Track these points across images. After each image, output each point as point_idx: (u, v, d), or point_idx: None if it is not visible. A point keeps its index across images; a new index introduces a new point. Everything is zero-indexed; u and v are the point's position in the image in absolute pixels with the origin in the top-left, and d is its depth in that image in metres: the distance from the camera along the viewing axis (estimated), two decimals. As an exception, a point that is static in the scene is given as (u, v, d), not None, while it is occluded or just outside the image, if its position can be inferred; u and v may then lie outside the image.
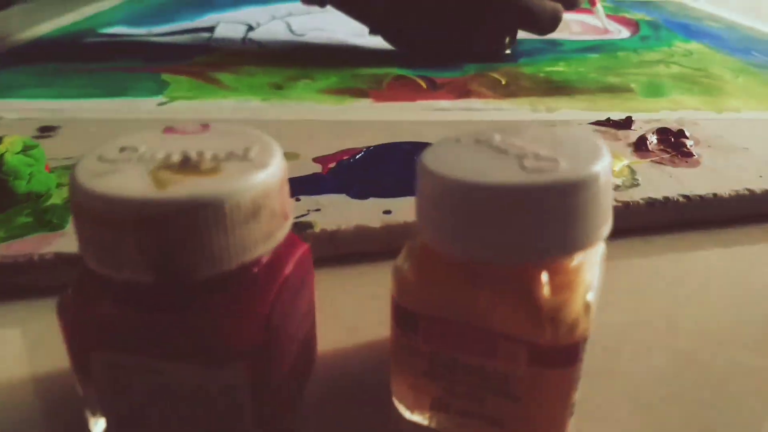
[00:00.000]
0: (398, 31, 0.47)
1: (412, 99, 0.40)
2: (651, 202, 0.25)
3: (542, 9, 0.44)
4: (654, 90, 0.42)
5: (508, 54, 0.49)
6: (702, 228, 0.25)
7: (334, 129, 0.35)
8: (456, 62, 0.47)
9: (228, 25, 0.59)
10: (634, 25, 0.62)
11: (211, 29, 0.58)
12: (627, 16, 0.66)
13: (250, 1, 0.69)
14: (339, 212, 0.23)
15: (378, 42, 0.50)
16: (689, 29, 0.61)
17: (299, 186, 0.25)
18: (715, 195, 0.25)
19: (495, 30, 0.46)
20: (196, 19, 0.62)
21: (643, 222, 0.25)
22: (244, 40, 0.55)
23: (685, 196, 0.25)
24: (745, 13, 0.73)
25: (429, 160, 0.14)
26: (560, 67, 0.47)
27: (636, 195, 0.25)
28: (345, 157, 0.28)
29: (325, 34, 0.56)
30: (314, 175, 0.27)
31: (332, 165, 0.27)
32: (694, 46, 0.55)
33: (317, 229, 0.22)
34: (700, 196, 0.25)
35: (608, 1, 0.74)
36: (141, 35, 0.56)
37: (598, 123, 0.33)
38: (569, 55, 0.51)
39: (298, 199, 0.24)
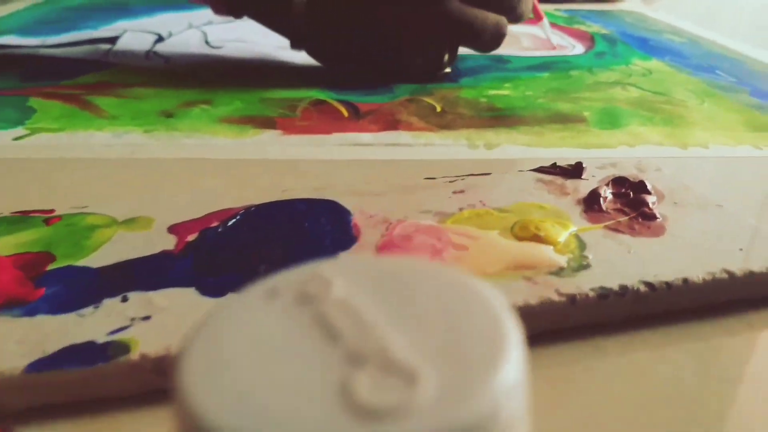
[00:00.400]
0: (321, 45, 0.41)
1: (328, 131, 0.33)
2: (604, 294, 0.19)
3: (484, 23, 0.38)
4: (610, 119, 0.36)
5: (447, 73, 0.43)
6: (669, 322, 0.19)
7: (221, 172, 0.28)
8: (388, 82, 0.41)
9: (135, 34, 0.52)
10: (588, 39, 0.57)
11: (113, 40, 0.50)
12: (581, 28, 0.61)
13: (167, 6, 0.61)
14: (178, 321, 0.17)
15: (304, 57, 0.43)
16: (648, 44, 0.56)
17: (135, 275, 0.19)
18: (685, 281, 0.19)
19: (431, 46, 0.40)
20: (102, 27, 0.54)
21: (593, 318, 0.19)
22: (148, 53, 0.47)
23: (649, 284, 0.19)
24: (706, 24, 0.69)
25: (192, 372, 0.07)
26: (505, 90, 0.41)
27: (584, 282, 0.19)
28: (213, 224, 0.21)
29: (246, 46, 0.49)
30: (161, 254, 0.20)
31: (191, 237, 0.21)
32: (653, 64, 0.50)
33: (135, 354, 0.15)
34: (667, 284, 0.19)
35: (563, 12, 0.69)
36: (31, 47, 0.48)
37: (542, 170, 0.26)
38: (517, 74, 0.45)
39: (124, 299, 0.18)
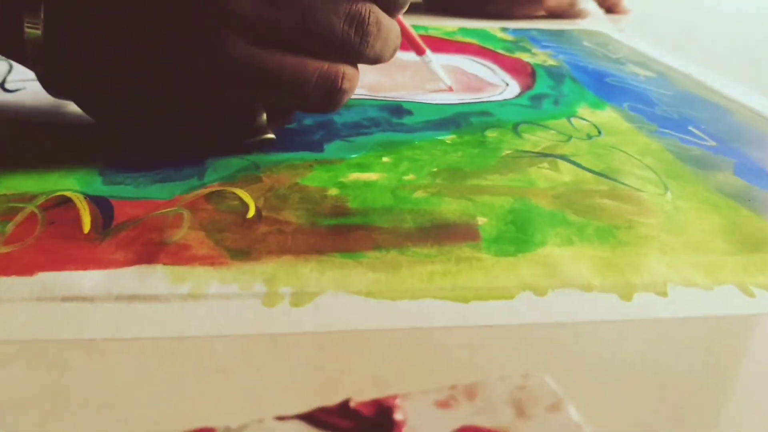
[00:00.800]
0: (83, 92, 0.27)
1: (38, 265, 0.20)
2: None
3: (300, 74, 0.24)
4: (516, 233, 0.23)
5: (270, 139, 0.29)
6: None
7: None
8: (185, 151, 0.27)
9: None
10: (528, 75, 0.43)
11: None
12: (524, 57, 0.48)
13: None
14: None
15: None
16: (604, 81, 0.43)
17: None
18: None
19: (228, 102, 0.26)
20: None
21: None
22: None
23: None
24: (680, 44, 0.56)
25: None
26: (376, 172, 0.28)
27: None
28: None
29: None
30: None
31: None
32: (606, 115, 0.37)
33: None
34: None
35: (510, 32, 0.55)
36: None
37: (319, 417, 0.13)
38: (410, 136, 0.32)
39: None
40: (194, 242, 0.21)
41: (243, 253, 0.21)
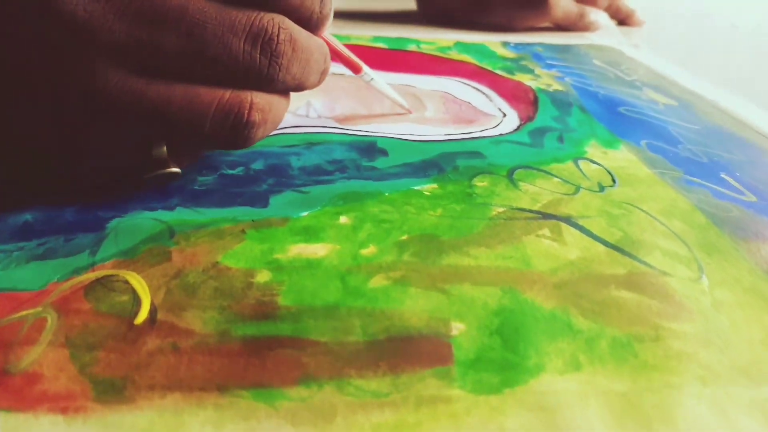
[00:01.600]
0: None
1: None
2: None
3: (187, 103, 0.20)
4: (503, 350, 0.17)
5: (175, 174, 0.23)
6: None
7: None
8: (76, 193, 0.21)
9: None
10: (529, 102, 0.37)
11: None
12: (525, 80, 0.41)
13: None
14: None
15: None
16: (617, 113, 0.36)
17: None
18: None
19: (119, 137, 0.21)
20: None
21: None
22: None
23: None
24: (698, 58, 0.49)
25: None
26: (324, 242, 0.21)
27: None
28: None
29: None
30: None
31: None
32: (621, 157, 0.30)
33: None
34: None
35: (511, 47, 0.49)
36: None
37: None
38: (379, 185, 0.26)
39: None
40: (50, 369, 0.15)
41: (113, 390, 0.15)
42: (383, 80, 0.32)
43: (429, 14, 0.58)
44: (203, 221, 0.22)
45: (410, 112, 0.33)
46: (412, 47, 0.47)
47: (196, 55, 0.19)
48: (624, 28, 0.61)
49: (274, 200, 0.24)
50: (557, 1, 0.54)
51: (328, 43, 0.26)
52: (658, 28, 0.65)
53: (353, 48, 0.38)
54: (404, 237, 0.22)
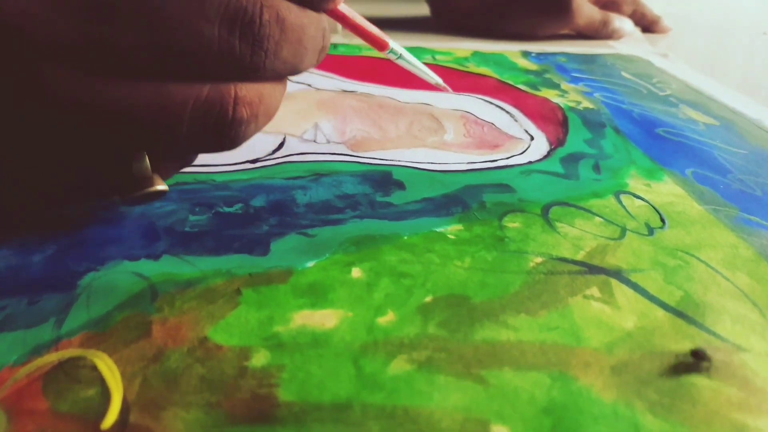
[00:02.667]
0: None
1: None
2: None
3: (169, 101, 0.17)
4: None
5: (160, 192, 0.19)
6: None
7: None
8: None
9: None
10: (557, 123, 0.33)
11: None
12: (551, 96, 0.37)
13: None
14: None
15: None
16: (655, 135, 0.33)
17: None
18: None
19: (85, 150, 0.18)
20: None
21: None
22: None
23: None
24: (730, 66, 0.46)
25: None
26: (334, 307, 0.18)
27: None
28: None
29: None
30: None
31: None
32: (667, 190, 0.27)
33: None
34: None
35: (533, 58, 0.45)
36: None
37: None
38: (397, 225, 0.22)
39: None
40: None
41: None
42: (412, 57, 0.27)
43: (443, 21, 0.55)
44: (192, 276, 0.18)
45: (449, 90, 0.28)
46: (427, 58, 0.44)
47: (161, 49, 0.16)
48: (649, 36, 0.58)
49: (276, 246, 0.21)
50: (580, 7, 0.50)
51: (342, 17, 0.22)
52: (684, 36, 0.61)
53: (365, 60, 0.35)
54: (428, 298, 0.18)
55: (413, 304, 0.18)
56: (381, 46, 0.25)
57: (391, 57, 0.26)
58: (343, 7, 0.22)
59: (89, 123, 0.16)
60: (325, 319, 0.17)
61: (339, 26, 0.51)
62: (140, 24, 0.16)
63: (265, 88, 0.18)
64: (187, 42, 0.16)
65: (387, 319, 0.17)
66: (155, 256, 0.20)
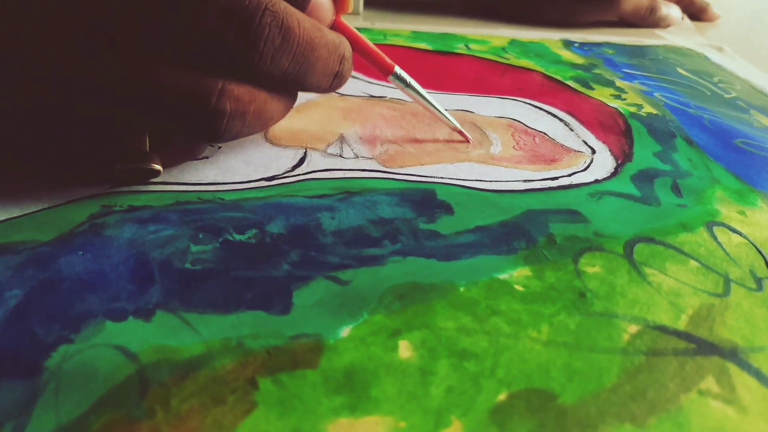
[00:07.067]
0: None
1: None
2: None
3: (151, 83, 0.17)
4: None
5: (152, 171, 0.20)
6: None
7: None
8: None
9: None
10: (619, 133, 0.28)
11: None
12: (606, 99, 0.32)
13: None
14: None
15: None
16: (734, 147, 0.28)
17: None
18: None
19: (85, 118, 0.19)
20: None
21: None
22: None
23: None
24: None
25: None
26: (379, 420, 0.13)
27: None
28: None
29: None
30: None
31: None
32: (764, 218, 0.22)
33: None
34: None
35: (575, 48, 0.40)
36: None
37: None
38: (448, 267, 0.18)
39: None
40: None
41: None
42: (420, 87, 0.24)
43: (472, 5, 0.49)
44: (193, 351, 0.14)
45: (468, 141, 0.25)
46: (460, 47, 0.38)
47: (158, 32, 0.17)
48: (697, 23, 0.52)
49: (300, 297, 0.16)
50: (627, -8, 0.45)
51: (354, 37, 0.21)
52: (735, 25, 0.55)
53: (392, 52, 0.29)
54: (502, 396, 0.13)
55: (484, 405, 0.13)
56: (385, 69, 0.23)
57: (397, 85, 0.22)
58: (349, 26, 0.21)
59: (84, 92, 0.17)
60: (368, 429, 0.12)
61: (360, 6, 0.45)
62: (144, 7, 0.16)
63: (260, 92, 0.18)
64: (184, 27, 0.16)
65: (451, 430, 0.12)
66: (146, 314, 0.15)
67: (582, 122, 0.28)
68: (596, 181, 0.23)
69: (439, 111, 0.24)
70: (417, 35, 0.40)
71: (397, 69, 0.23)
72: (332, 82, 0.20)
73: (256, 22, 0.17)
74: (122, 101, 0.17)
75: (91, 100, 0.17)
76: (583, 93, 0.32)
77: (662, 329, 0.16)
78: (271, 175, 0.22)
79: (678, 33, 0.47)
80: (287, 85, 0.19)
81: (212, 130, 0.18)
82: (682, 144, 0.27)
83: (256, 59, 0.17)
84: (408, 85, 0.23)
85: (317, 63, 0.19)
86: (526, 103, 0.30)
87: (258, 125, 0.19)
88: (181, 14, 0.16)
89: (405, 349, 0.14)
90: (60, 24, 0.17)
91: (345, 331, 0.15)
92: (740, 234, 0.21)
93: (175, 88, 0.17)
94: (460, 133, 0.25)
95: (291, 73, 0.19)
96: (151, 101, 0.17)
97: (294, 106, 0.22)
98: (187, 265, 0.17)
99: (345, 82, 0.21)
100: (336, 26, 0.21)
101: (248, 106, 0.18)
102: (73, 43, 0.17)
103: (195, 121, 0.18)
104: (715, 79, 0.37)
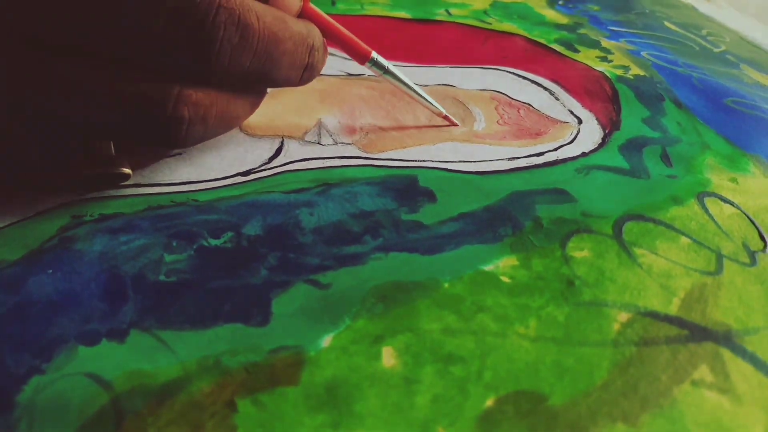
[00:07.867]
0: None
1: None
2: None
3: (101, 90, 0.16)
4: None
5: (121, 175, 0.19)
6: None
7: None
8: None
9: None
10: (606, 100, 0.27)
11: None
12: (592, 62, 0.31)
13: None
14: None
15: None
16: (724, 106, 0.27)
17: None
18: None
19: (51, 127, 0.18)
20: None
21: None
22: None
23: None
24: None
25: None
26: (365, 428, 0.12)
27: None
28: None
29: None
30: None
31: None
32: (756, 185, 0.21)
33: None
34: None
35: (558, 7, 0.39)
36: None
37: None
38: (431, 260, 0.17)
39: None
40: None
41: None
42: (397, 70, 0.23)
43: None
44: (169, 375, 0.13)
45: (456, 124, 0.24)
46: (441, 13, 0.37)
47: (107, 38, 0.15)
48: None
49: (279, 305, 0.15)
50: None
51: (325, 24, 0.20)
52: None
53: (369, 23, 0.28)
54: (490, 401, 0.13)
55: (471, 412, 0.13)
56: (361, 56, 0.22)
57: (375, 72, 0.21)
58: (318, 11, 0.20)
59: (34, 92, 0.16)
60: (354, 449, 0.12)
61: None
62: (92, 12, 0.15)
63: (221, 94, 0.17)
64: (131, 30, 0.15)
65: (439, 439, 0.12)
66: (120, 335, 0.15)
67: (567, 90, 0.27)
68: (583, 155, 0.23)
69: (421, 96, 0.23)
70: (396, 1, 0.38)
71: (374, 55, 0.22)
72: (303, 75, 0.19)
73: (209, 22, 0.16)
74: (76, 110, 0.16)
75: (44, 108, 0.16)
76: (568, 57, 0.31)
77: (653, 315, 0.15)
78: (247, 169, 0.21)
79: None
80: (251, 83, 0.18)
81: (172, 137, 0.17)
82: (671, 107, 0.26)
83: (213, 61, 0.16)
84: (387, 71, 0.22)
85: (283, 57, 0.18)
86: (510, 72, 0.29)
87: (222, 127, 0.18)
88: (130, 19, 0.15)
89: (389, 357, 0.14)
90: (4, 29, 0.16)
91: (326, 341, 0.14)
92: (732, 204, 0.20)
93: (129, 96, 0.16)
94: (445, 118, 0.24)
95: (254, 71, 0.17)
96: (105, 110, 0.16)
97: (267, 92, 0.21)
98: (161, 277, 0.16)
99: (317, 73, 0.20)
100: (305, 13, 0.20)
101: (209, 110, 0.17)
102: (20, 49, 0.16)
103: (153, 130, 0.17)
104: (704, 32, 0.36)
